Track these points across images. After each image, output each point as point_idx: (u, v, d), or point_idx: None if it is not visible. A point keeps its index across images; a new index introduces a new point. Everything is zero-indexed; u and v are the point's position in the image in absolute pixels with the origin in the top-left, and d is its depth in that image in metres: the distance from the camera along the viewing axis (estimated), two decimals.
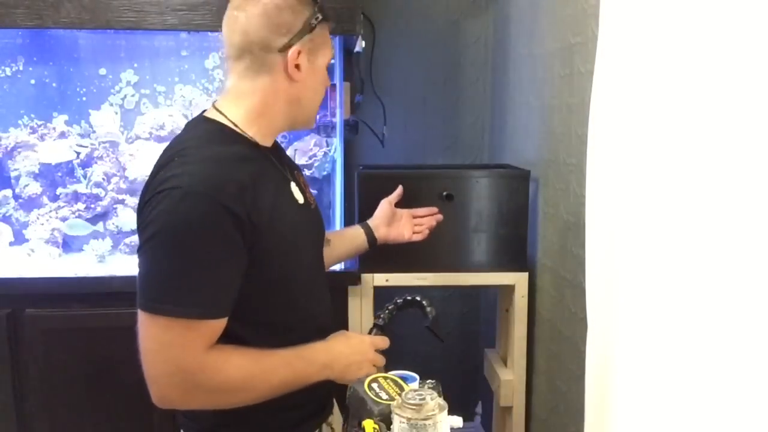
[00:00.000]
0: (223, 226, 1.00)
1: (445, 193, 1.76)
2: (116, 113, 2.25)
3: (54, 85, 2.23)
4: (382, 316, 1.31)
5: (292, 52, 1.10)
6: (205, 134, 1.11)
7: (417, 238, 1.61)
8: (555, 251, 1.69)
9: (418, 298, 1.30)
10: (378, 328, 1.30)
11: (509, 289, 1.85)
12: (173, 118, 2.25)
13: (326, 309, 1.28)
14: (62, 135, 2.22)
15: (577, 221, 1.49)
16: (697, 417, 0.82)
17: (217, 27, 1.96)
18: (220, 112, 1.13)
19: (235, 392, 1.06)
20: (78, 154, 2.23)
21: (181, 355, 1.01)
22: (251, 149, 1.12)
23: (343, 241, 1.51)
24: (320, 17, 1.12)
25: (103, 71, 2.23)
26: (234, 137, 1.11)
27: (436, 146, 2.51)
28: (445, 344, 2.58)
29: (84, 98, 2.24)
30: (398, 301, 1.30)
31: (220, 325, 1.04)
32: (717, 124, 0.77)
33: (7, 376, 1.96)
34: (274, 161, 1.17)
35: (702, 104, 0.79)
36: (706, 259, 0.79)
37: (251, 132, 1.13)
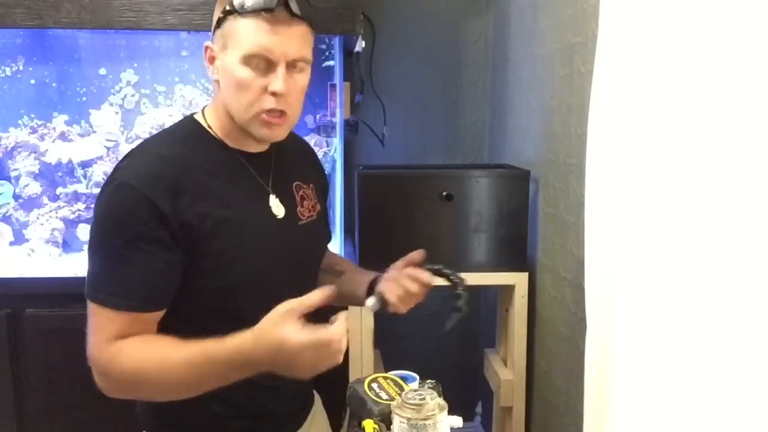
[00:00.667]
0: (146, 220, 0.99)
1: (445, 193, 1.76)
2: (116, 113, 2.25)
3: (54, 85, 2.23)
4: (438, 268, 1.19)
5: (205, 49, 1.09)
6: (172, 130, 1.13)
7: (400, 309, 1.21)
8: (555, 251, 1.69)
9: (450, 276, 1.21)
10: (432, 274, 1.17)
11: (509, 289, 1.85)
12: (173, 118, 2.25)
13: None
14: (62, 135, 2.23)
15: (577, 221, 1.49)
16: (697, 417, 0.82)
17: None
18: (203, 114, 1.14)
19: (134, 385, 1.01)
20: (108, 149, 2.24)
21: (91, 339, 1.01)
22: (219, 152, 1.10)
23: (351, 281, 1.31)
24: (228, 10, 1.04)
25: (103, 71, 2.24)
26: (200, 137, 1.10)
27: (436, 146, 2.51)
28: (445, 344, 2.59)
29: (84, 98, 2.24)
30: (446, 270, 1.21)
31: (138, 318, 1.01)
32: (717, 124, 0.77)
33: (7, 376, 1.96)
34: (246, 167, 1.13)
35: (702, 104, 0.79)
36: (706, 259, 0.79)
37: (220, 134, 1.11)
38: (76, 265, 2.11)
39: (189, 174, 1.04)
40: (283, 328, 0.93)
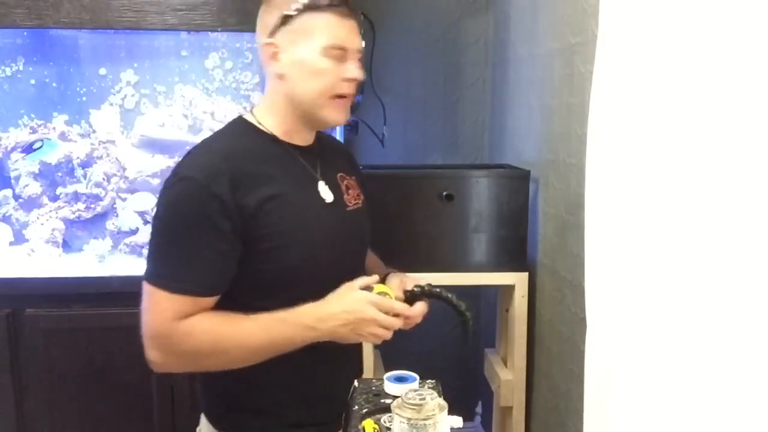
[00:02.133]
0: (209, 212, 1.07)
1: (445, 193, 1.76)
2: (116, 113, 2.25)
3: (54, 85, 2.23)
4: (424, 287, 1.23)
5: (264, 46, 1.17)
6: (225, 128, 1.23)
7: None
8: (555, 251, 1.69)
9: (455, 302, 1.23)
10: (410, 294, 1.22)
11: (509, 289, 1.85)
12: (173, 118, 2.25)
13: None
14: (62, 135, 2.23)
15: (577, 221, 1.49)
16: (697, 416, 0.82)
17: (216, 27, 1.98)
18: (251, 112, 1.24)
19: (206, 356, 1.11)
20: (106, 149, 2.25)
21: (155, 321, 1.09)
22: (271, 144, 1.20)
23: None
24: (300, 8, 1.13)
25: (103, 71, 2.23)
26: (254, 132, 1.20)
27: (436, 146, 2.51)
28: (445, 344, 2.59)
29: (84, 98, 2.24)
30: (448, 295, 1.23)
31: (195, 302, 1.09)
32: (717, 124, 0.77)
33: (7, 376, 1.96)
34: (297, 157, 1.22)
35: (702, 104, 0.79)
36: (706, 259, 0.79)
37: (271, 128, 1.20)
38: (76, 265, 2.11)
39: (246, 166, 1.13)
40: (351, 289, 1.14)
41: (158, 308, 1.09)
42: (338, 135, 2.27)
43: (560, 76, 1.62)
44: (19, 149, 2.18)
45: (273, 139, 1.20)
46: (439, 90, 2.50)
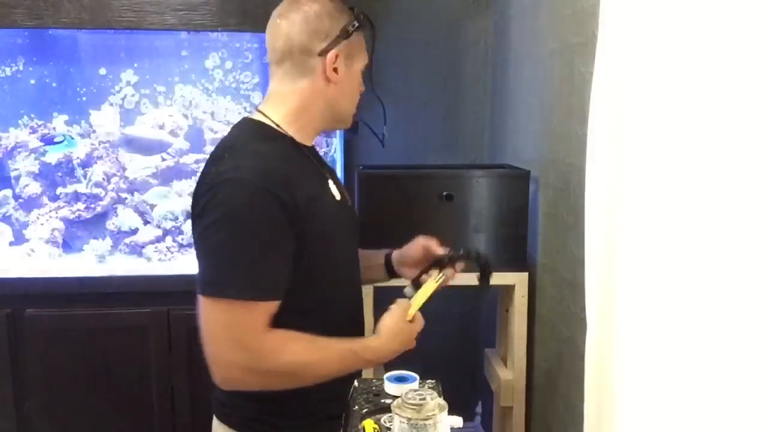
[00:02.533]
0: (273, 212, 1.07)
1: (445, 193, 1.76)
2: (116, 113, 2.25)
3: (54, 85, 2.23)
4: (452, 254, 1.35)
5: (330, 55, 1.17)
6: (250, 132, 1.20)
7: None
8: (555, 251, 1.69)
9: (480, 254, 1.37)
10: (449, 260, 1.34)
11: (509, 289, 1.85)
12: (173, 118, 2.25)
13: (358, 307, 1.35)
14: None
15: (577, 221, 1.49)
16: (697, 416, 0.82)
17: (216, 27, 1.98)
18: (264, 114, 1.21)
19: (290, 377, 1.13)
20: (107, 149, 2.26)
21: (242, 336, 1.06)
22: (291, 146, 1.20)
23: (364, 259, 1.42)
24: (357, 24, 1.20)
25: (103, 71, 2.24)
26: (275, 135, 1.19)
27: (436, 146, 2.51)
28: (445, 344, 2.59)
29: (84, 98, 2.24)
30: (472, 253, 1.37)
31: (275, 306, 1.10)
32: (717, 124, 0.77)
33: (7, 376, 1.96)
34: (312, 159, 1.26)
35: (702, 104, 0.79)
36: (706, 259, 0.79)
37: (291, 131, 1.21)
38: (76, 265, 2.11)
39: (284, 165, 1.14)
40: (402, 321, 1.24)
41: (243, 322, 1.06)
42: (338, 135, 2.27)
43: (560, 76, 1.62)
44: (39, 138, 2.19)
45: (291, 140, 1.21)
46: (439, 90, 2.49)
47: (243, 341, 1.07)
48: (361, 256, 1.39)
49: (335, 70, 1.18)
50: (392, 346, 1.22)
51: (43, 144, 2.18)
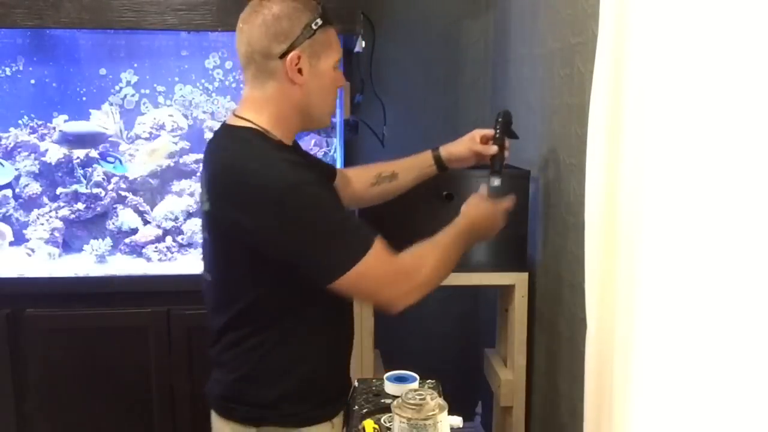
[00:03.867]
0: (328, 186, 1.24)
1: (445, 193, 1.76)
2: (116, 113, 2.25)
3: (54, 85, 2.23)
4: (496, 135, 1.52)
5: (291, 56, 1.16)
6: (253, 139, 1.19)
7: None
8: (555, 251, 1.69)
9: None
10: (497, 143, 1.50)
11: (509, 289, 1.85)
12: (173, 118, 2.25)
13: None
14: (62, 135, 2.22)
15: (577, 221, 1.49)
16: (697, 416, 0.82)
17: (216, 27, 1.98)
18: (246, 119, 1.20)
19: (437, 272, 1.25)
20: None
21: (389, 268, 1.18)
22: (284, 148, 1.22)
23: (411, 169, 1.56)
24: (320, 22, 1.18)
25: (103, 71, 2.24)
26: (266, 138, 1.20)
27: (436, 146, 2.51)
28: (445, 344, 2.59)
29: (84, 98, 2.24)
30: (498, 119, 1.54)
31: (382, 239, 1.20)
32: (717, 124, 0.77)
33: (7, 376, 1.96)
34: (305, 158, 1.32)
35: (702, 104, 0.79)
36: (706, 258, 0.79)
37: (278, 135, 1.21)
38: (76, 265, 2.11)
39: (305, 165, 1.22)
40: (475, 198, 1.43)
41: (379, 264, 1.16)
42: (338, 135, 2.27)
43: (560, 76, 1.62)
44: (95, 150, 2.22)
45: (284, 146, 1.22)
46: (439, 90, 2.49)
47: (393, 270, 1.19)
48: (401, 164, 1.54)
49: (300, 71, 1.18)
50: (480, 217, 1.37)
51: (99, 159, 2.21)
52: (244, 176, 1.14)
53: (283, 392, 1.22)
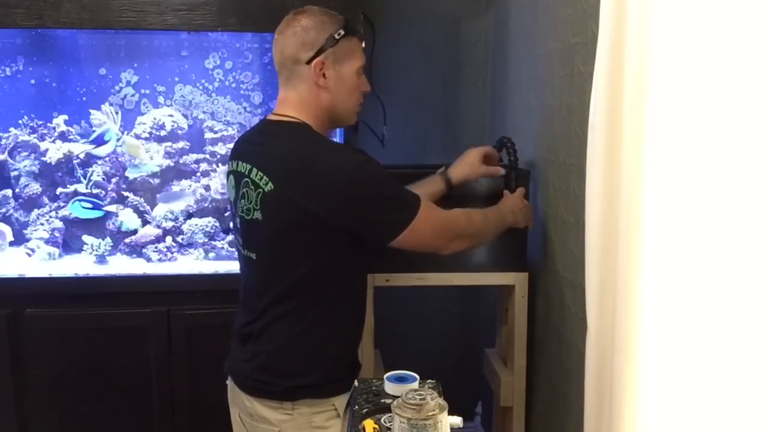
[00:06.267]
0: (378, 162, 1.37)
1: (445, 193, 1.76)
2: (116, 113, 2.25)
3: (54, 85, 2.23)
4: (510, 159, 1.71)
5: (316, 62, 1.35)
6: (309, 131, 1.37)
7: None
8: (555, 251, 1.69)
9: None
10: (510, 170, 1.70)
11: (509, 289, 1.85)
12: (173, 118, 2.25)
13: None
14: (62, 135, 2.23)
15: (577, 221, 1.49)
16: (697, 416, 0.82)
17: (216, 27, 1.98)
18: (291, 116, 1.37)
19: (477, 233, 1.51)
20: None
21: (438, 220, 1.40)
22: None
23: (424, 195, 1.65)
24: (342, 33, 1.36)
25: (103, 71, 2.23)
26: (318, 132, 1.39)
27: (436, 146, 2.51)
28: (445, 344, 2.59)
29: (84, 98, 2.24)
30: (504, 140, 1.73)
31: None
32: (717, 124, 0.77)
33: (7, 376, 1.96)
34: None
35: (702, 104, 0.79)
36: (706, 259, 0.79)
37: (317, 130, 1.39)
38: (76, 265, 2.11)
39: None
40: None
41: (427, 217, 1.36)
42: (338, 135, 2.27)
43: (560, 76, 1.62)
44: (85, 141, 2.22)
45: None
46: (439, 90, 2.49)
47: (442, 225, 1.41)
48: (416, 189, 1.62)
49: (324, 75, 1.35)
50: (516, 207, 1.62)
51: (93, 146, 2.22)
52: (318, 159, 1.31)
53: (320, 362, 1.38)
